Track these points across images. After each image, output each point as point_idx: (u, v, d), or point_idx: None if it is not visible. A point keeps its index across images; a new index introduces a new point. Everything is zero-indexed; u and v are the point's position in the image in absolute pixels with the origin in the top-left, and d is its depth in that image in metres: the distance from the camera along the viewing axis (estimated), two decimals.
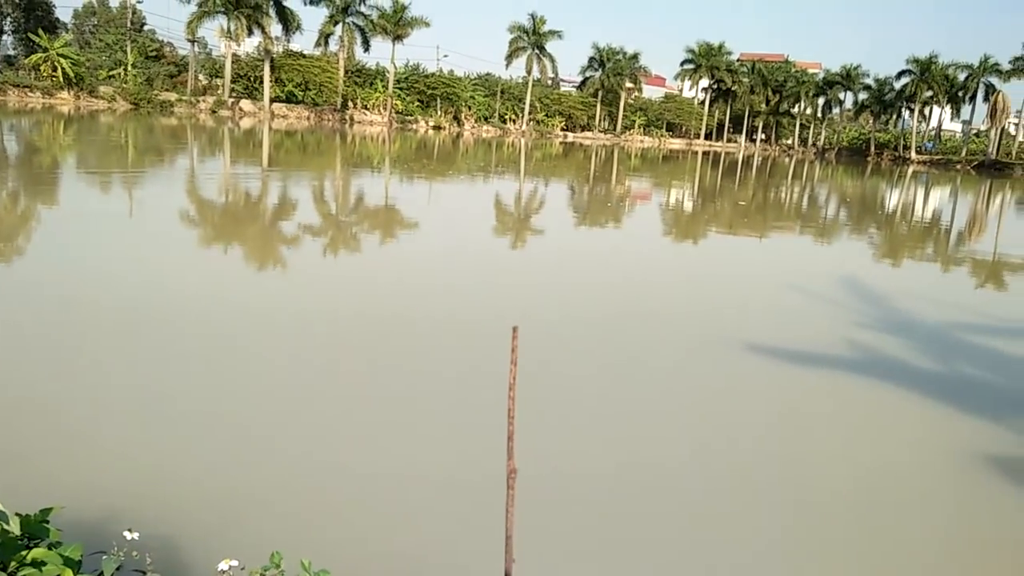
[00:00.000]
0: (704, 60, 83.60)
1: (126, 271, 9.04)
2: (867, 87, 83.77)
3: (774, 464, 5.12)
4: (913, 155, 78.91)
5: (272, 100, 59.34)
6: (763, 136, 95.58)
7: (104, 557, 2.18)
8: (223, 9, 54.71)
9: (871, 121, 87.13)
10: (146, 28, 69.27)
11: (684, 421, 5.77)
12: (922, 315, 10.10)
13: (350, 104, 65.09)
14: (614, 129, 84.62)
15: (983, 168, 71.05)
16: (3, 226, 11.44)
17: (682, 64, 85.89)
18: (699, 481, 4.78)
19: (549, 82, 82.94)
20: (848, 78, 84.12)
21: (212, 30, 58.87)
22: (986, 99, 74.44)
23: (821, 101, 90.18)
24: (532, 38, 70.72)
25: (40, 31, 52.59)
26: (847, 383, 6.93)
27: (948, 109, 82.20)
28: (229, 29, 55.71)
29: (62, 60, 50.84)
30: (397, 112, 67.29)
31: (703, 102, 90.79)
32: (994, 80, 73.62)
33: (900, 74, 77.98)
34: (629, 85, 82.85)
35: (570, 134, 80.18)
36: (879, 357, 7.77)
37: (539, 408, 5.41)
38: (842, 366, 7.40)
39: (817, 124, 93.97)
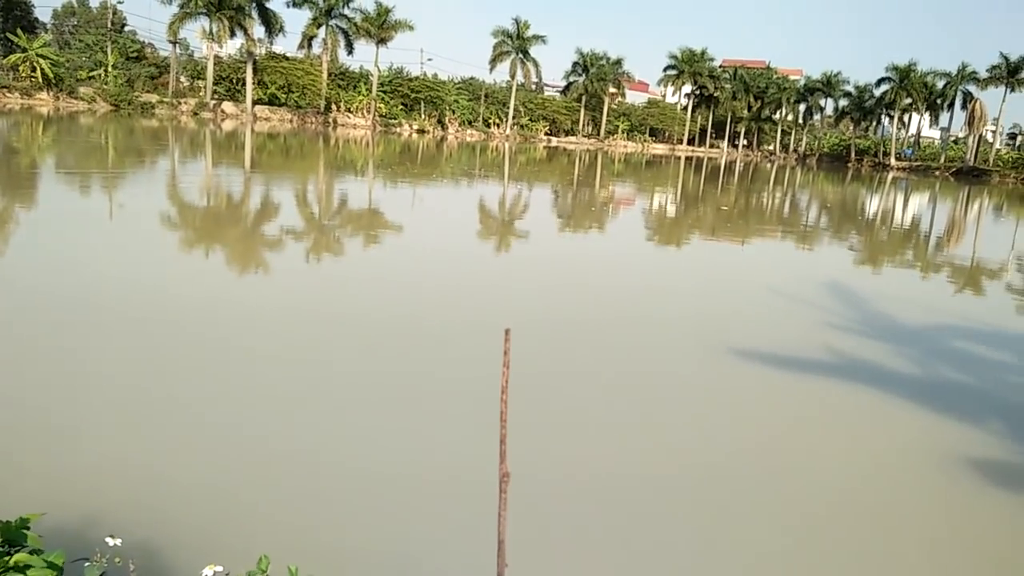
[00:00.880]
0: (687, 66, 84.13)
1: (106, 273, 8.93)
2: (847, 94, 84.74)
3: (758, 468, 5.14)
4: (893, 161, 79.84)
5: (255, 102, 58.99)
6: (745, 142, 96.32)
7: (87, 564, 2.14)
8: (205, 10, 54.34)
9: (851, 128, 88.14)
10: (127, 29, 68.60)
11: (666, 426, 5.78)
12: (903, 319, 10.20)
13: (333, 107, 64.86)
14: (598, 134, 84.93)
15: (961, 175, 71.99)
16: None
17: (665, 70, 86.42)
18: (680, 488, 4.79)
19: (533, 87, 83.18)
20: (829, 85, 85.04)
21: (194, 31, 58.75)
22: (964, 107, 75.50)
23: (802, 107, 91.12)
24: (516, 43, 70.85)
25: (19, 31, 52.00)
26: (830, 387, 6.97)
27: (927, 116, 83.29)
28: (211, 31, 55.34)
29: (41, 61, 50.29)
30: (381, 115, 67.14)
31: (686, 108, 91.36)
32: (972, 88, 74.72)
33: (880, 81, 78.94)
34: (612, 90, 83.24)
35: (554, 139, 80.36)
36: (861, 361, 7.83)
37: (529, 411, 5.40)
38: (825, 370, 7.45)
39: (798, 130, 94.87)
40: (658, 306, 10.00)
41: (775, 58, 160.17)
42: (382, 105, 67.76)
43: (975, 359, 8.58)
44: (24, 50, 50.37)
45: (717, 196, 31.75)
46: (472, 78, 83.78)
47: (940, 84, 76.40)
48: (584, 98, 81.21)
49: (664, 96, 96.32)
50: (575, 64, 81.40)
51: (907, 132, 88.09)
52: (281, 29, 59.21)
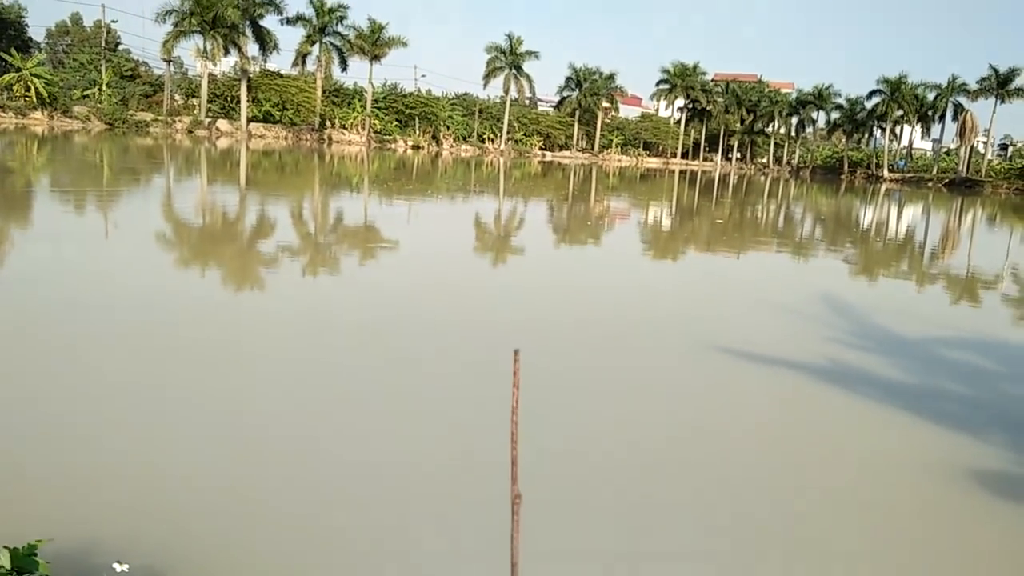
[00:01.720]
0: (679, 80, 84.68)
1: (102, 292, 8.91)
2: (839, 107, 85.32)
3: (753, 476, 5.13)
4: (886, 173, 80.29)
5: (249, 120, 59.13)
6: (739, 155, 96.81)
7: None
8: (199, 29, 54.56)
9: (844, 140, 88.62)
10: (121, 48, 68.89)
11: (664, 435, 5.77)
12: (899, 330, 10.22)
13: (328, 124, 65.07)
14: (592, 148, 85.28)
15: (954, 186, 72.43)
16: None
17: (658, 84, 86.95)
18: (678, 497, 4.78)
19: (527, 102, 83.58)
20: (820, 98, 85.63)
21: (188, 50, 58.76)
22: (955, 118, 76.09)
23: (795, 120, 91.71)
24: (509, 58, 71.24)
25: (13, 51, 52.12)
26: (826, 398, 6.98)
27: (918, 128, 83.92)
28: (205, 49, 55.53)
29: (35, 80, 50.37)
30: (375, 132, 67.35)
31: (679, 121, 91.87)
32: (962, 100, 75.31)
33: (871, 94, 79.51)
34: (606, 105, 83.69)
35: (548, 153, 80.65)
36: (858, 372, 7.84)
37: (533, 418, 5.38)
38: (821, 381, 7.46)
39: (791, 143, 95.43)
40: (653, 318, 10.00)
41: (767, 72, 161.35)
42: (377, 121, 68.00)
43: (972, 370, 8.60)
44: (18, 70, 50.47)
45: (711, 209, 31.87)
46: (466, 94, 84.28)
47: (931, 96, 77.00)
48: (578, 113, 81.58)
49: (657, 110, 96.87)
50: (568, 79, 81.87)
51: (899, 144, 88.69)
52: (275, 47, 59.50)
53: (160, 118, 56.03)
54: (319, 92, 63.51)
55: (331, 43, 62.12)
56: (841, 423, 6.44)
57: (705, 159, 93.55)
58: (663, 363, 7.87)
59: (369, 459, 4.97)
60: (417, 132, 71.04)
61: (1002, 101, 71.62)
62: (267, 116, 62.14)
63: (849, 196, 51.92)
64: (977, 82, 72.79)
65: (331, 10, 60.78)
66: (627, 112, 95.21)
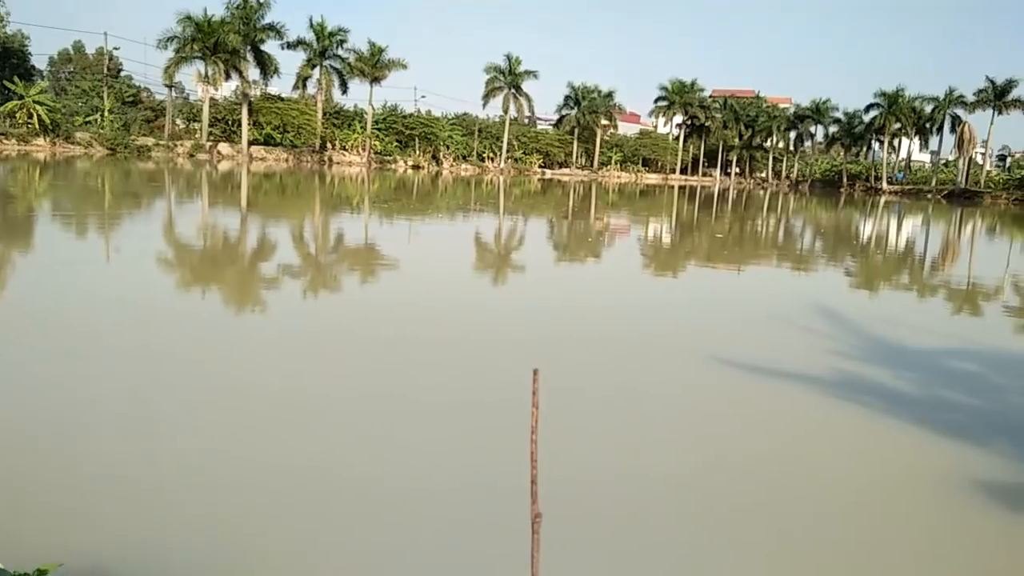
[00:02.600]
0: (677, 97, 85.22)
1: (101, 314, 8.91)
2: (837, 120, 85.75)
3: (759, 487, 5.10)
4: (885, 185, 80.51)
5: (250, 143, 59.47)
6: (737, 170, 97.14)
7: None
8: (201, 55, 55.02)
9: (842, 153, 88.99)
10: (123, 74, 69.37)
11: (671, 448, 5.75)
12: (902, 341, 10.21)
13: (328, 145, 65.43)
14: (591, 165, 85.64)
15: (953, 197, 72.60)
16: None
17: (656, 101, 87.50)
18: (684, 509, 4.75)
19: (526, 120, 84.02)
20: (818, 112, 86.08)
21: (190, 75, 59.23)
22: (953, 130, 76.44)
23: (793, 135, 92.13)
24: (508, 78, 71.73)
25: (15, 78, 52.53)
26: (830, 409, 6.95)
27: (916, 140, 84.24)
28: (207, 74, 55.96)
29: (38, 107, 50.71)
30: (376, 152, 67.72)
31: (678, 138, 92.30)
32: (960, 111, 75.72)
33: (868, 107, 79.94)
34: (605, 122, 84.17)
35: (548, 171, 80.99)
36: (861, 383, 7.82)
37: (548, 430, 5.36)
38: (824, 393, 7.43)
39: (790, 157, 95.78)
40: (655, 331, 9.99)
41: (764, 87, 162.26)
42: (377, 142, 68.38)
43: (976, 380, 8.57)
44: (21, 97, 50.82)
45: (711, 224, 31.94)
46: (465, 113, 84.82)
47: (928, 108, 77.40)
48: (577, 130, 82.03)
49: (656, 127, 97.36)
50: (567, 98, 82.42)
51: (898, 156, 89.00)
52: (276, 71, 59.99)
53: (162, 142, 56.35)
54: (320, 114, 63.91)
55: (331, 66, 62.62)
56: (849, 436, 6.42)
57: (704, 174, 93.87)
58: (669, 379, 7.86)
59: (377, 479, 4.96)
60: (417, 152, 71.41)
61: (999, 112, 71.99)
62: (268, 139, 62.49)
63: (849, 209, 52.02)
64: (974, 94, 73.23)
65: (331, 34, 61.31)
66: (626, 129, 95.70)
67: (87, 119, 57.82)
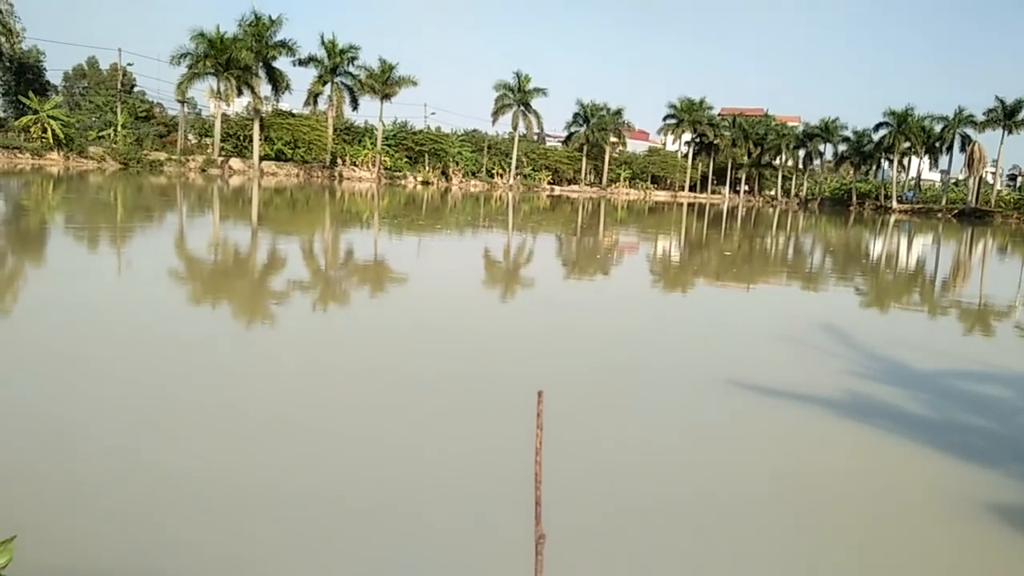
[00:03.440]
0: (686, 115, 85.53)
1: (118, 328, 8.96)
2: (846, 139, 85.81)
3: (769, 507, 5.07)
4: (895, 204, 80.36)
5: (261, 158, 59.94)
6: (746, 187, 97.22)
7: None
8: (213, 71, 55.64)
9: (852, 172, 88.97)
10: (136, 89, 70.15)
11: (678, 468, 5.72)
12: (912, 361, 10.14)
13: (339, 161, 65.87)
14: (600, 182, 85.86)
15: (963, 216, 72.38)
16: None
17: (665, 119, 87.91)
18: (695, 531, 4.72)
19: (535, 137, 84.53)
20: (827, 131, 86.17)
21: (202, 91, 59.86)
22: (962, 149, 76.33)
23: (802, 153, 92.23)
24: (517, 95, 72.21)
25: (31, 93, 53.21)
26: (840, 429, 6.90)
27: (926, 159, 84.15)
28: (219, 90, 56.55)
29: (52, 122, 51.32)
30: (386, 168, 68.12)
31: (686, 155, 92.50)
32: (969, 131, 75.67)
33: (878, 126, 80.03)
34: (613, 139, 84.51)
35: (557, 187, 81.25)
36: (872, 403, 7.76)
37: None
38: (834, 412, 7.38)
39: (799, 175, 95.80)
40: (664, 349, 9.97)
41: (773, 105, 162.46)
42: (387, 158, 68.82)
43: (987, 401, 8.50)
44: (36, 112, 51.45)
45: (721, 242, 31.91)
46: (475, 130, 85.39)
47: (938, 128, 77.40)
48: (586, 148, 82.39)
49: (664, 144, 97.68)
50: (576, 115, 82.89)
51: (907, 175, 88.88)
52: (287, 87, 60.62)
53: (174, 157, 56.88)
54: (330, 130, 64.44)
55: (342, 83, 63.22)
56: (860, 457, 6.36)
57: (713, 192, 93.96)
58: (681, 400, 7.83)
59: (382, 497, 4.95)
60: (427, 168, 71.79)
61: (1009, 132, 71.88)
62: (279, 154, 62.99)
63: (858, 227, 51.90)
64: (984, 113, 73.21)
65: (342, 51, 61.94)
66: (635, 146, 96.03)
67: (100, 134, 58.48)
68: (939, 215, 74.40)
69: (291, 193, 44.15)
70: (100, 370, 7.22)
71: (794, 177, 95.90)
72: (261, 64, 57.52)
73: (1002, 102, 70.86)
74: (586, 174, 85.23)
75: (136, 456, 5.21)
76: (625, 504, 5.05)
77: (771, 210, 74.58)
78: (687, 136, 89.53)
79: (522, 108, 72.92)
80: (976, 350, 11.66)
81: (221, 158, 59.03)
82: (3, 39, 56.19)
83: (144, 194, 35.46)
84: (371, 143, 68.55)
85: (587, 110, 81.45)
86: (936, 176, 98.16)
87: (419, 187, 65.57)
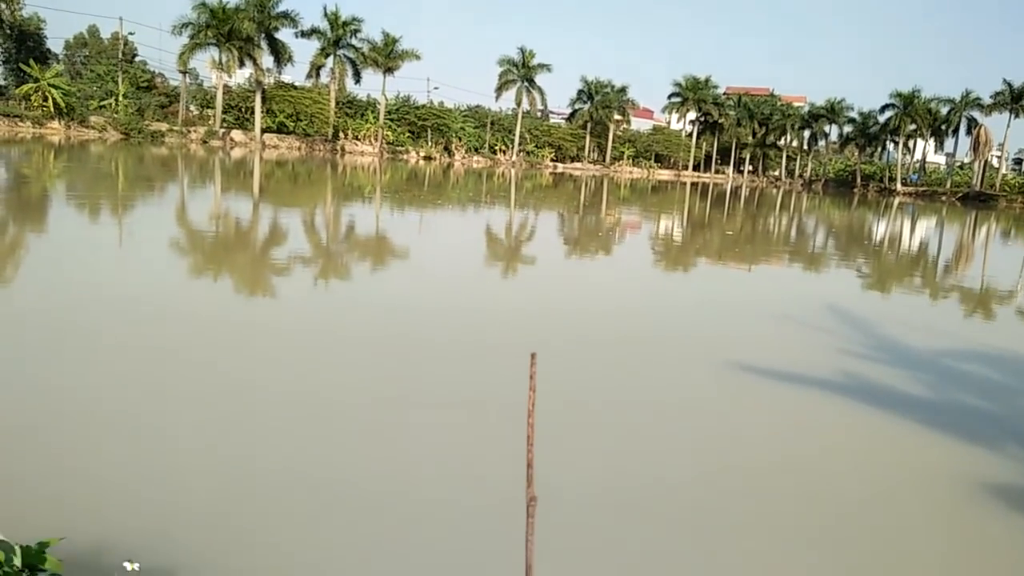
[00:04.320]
0: (691, 93, 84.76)
1: (122, 299, 8.96)
2: (852, 120, 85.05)
3: (769, 488, 5.08)
4: (899, 187, 79.90)
5: (263, 130, 59.55)
6: (750, 167, 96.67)
7: None
8: (215, 41, 55.09)
9: (856, 153, 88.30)
10: (138, 59, 69.53)
11: (681, 447, 5.73)
12: (915, 344, 10.14)
13: (341, 135, 65.46)
14: (603, 160, 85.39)
15: (968, 200, 72.01)
16: None
17: (669, 97, 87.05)
18: (695, 508, 4.74)
19: (538, 114, 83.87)
20: (833, 111, 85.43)
21: (204, 61, 59.33)
22: (968, 132, 75.76)
23: (807, 133, 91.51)
24: (522, 71, 71.54)
25: (31, 61, 52.74)
26: (842, 410, 6.92)
27: (932, 142, 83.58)
28: (221, 61, 56.05)
29: (53, 90, 50.91)
30: (388, 143, 67.70)
31: (691, 134, 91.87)
32: (976, 114, 75.00)
33: (884, 108, 79.27)
34: (617, 117, 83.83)
35: (560, 165, 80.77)
36: (874, 385, 7.77)
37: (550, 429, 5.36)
38: (836, 394, 7.39)
39: (803, 156, 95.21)
40: (666, 329, 9.96)
41: (779, 85, 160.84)
42: (389, 133, 68.37)
43: (989, 383, 8.51)
44: (36, 80, 51.03)
45: (723, 221, 31.80)
46: (478, 106, 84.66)
47: (944, 110, 76.72)
48: (589, 125, 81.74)
49: (669, 123, 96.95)
50: (580, 92, 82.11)
51: (912, 157, 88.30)
52: (290, 59, 59.97)
53: (175, 128, 56.50)
54: (332, 104, 63.94)
55: (345, 56, 62.60)
56: (860, 437, 6.38)
57: (717, 171, 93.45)
58: (678, 377, 7.84)
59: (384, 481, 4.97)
60: (429, 143, 71.37)
61: (1016, 115, 71.24)
62: (281, 127, 62.57)
63: (862, 209, 51.70)
64: (991, 96, 72.49)
65: (345, 23, 61.29)
66: (639, 124, 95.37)
67: (101, 103, 58.03)
68: (943, 198, 74.02)
69: (293, 166, 43.96)
70: (102, 343, 7.23)
71: (798, 158, 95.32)
72: (263, 35, 56.91)
73: (1010, 85, 70.16)
74: (589, 152, 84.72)
75: (137, 420, 5.23)
76: (620, 479, 5.07)
77: (775, 191, 74.26)
78: (692, 115, 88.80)
79: (526, 84, 72.26)
80: (977, 332, 11.65)
81: (223, 130, 58.63)
82: (3, 6, 55.64)
83: (145, 165, 35.32)
84: (374, 117, 68.07)
85: (591, 87, 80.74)
86: (941, 159, 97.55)
87: (421, 162, 65.25)
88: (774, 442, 6.04)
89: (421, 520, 4.28)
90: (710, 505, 4.81)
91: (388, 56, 64.11)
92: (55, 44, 72.28)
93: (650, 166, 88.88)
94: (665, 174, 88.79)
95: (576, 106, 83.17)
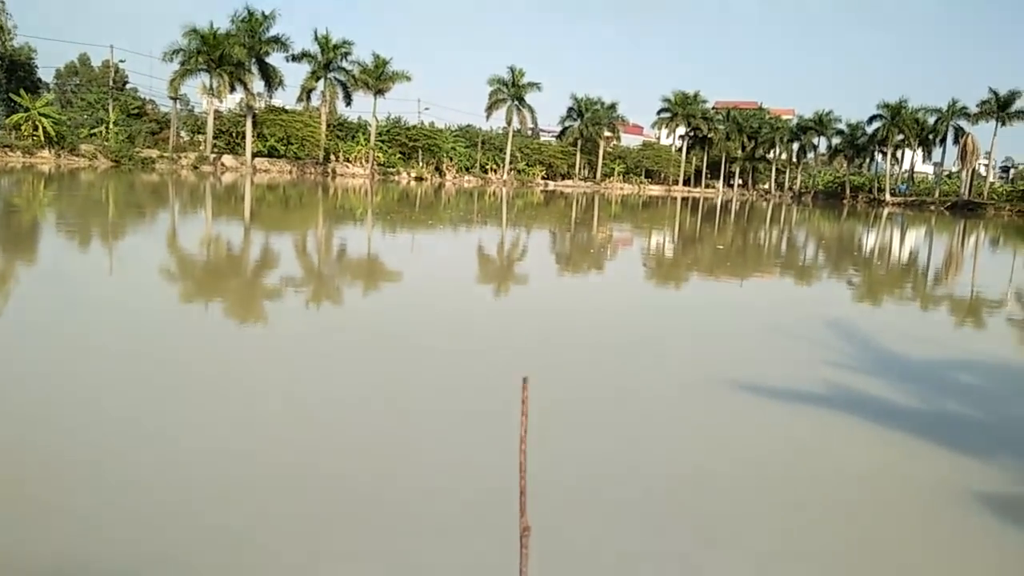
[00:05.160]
0: (680, 109, 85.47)
1: (113, 328, 8.92)
2: (840, 132, 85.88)
3: (757, 500, 5.07)
4: (888, 197, 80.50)
5: (254, 155, 59.67)
6: (740, 181, 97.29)
7: None
8: (206, 67, 55.34)
9: (845, 164, 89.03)
10: (128, 86, 69.80)
11: (661, 458, 5.72)
12: (905, 353, 10.17)
13: (332, 157, 65.65)
14: (594, 177, 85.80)
15: (956, 208, 72.53)
16: None
17: (659, 113, 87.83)
18: (680, 526, 4.72)
19: (529, 132, 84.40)
20: (821, 124, 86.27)
21: (195, 87, 59.53)
22: (956, 141, 76.48)
23: (796, 146, 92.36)
24: (511, 90, 72.02)
25: (22, 91, 52.83)
26: (832, 422, 6.91)
27: (920, 152, 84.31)
28: (212, 86, 56.26)
29: (43, 119, 50.97)
30: (379, 164, 67.92)
31: (680, 149, 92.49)
32: (963, 123, 75.80)
33: (871, 119, 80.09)
34: (608, 134, 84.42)
35: (551, 182, 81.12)
36: (864, 396, 7.78)
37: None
38: (826, 405, 7.39)
39: (793, 168, 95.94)
40: (657, 342, 9.96)
41: (767, 99, 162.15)
42: (380, 154, 68.61)
43: (980, 393, 8.53)
44: (27, 109, 51.10)
45: (714, 236, 31.93)
46: (469, 125, 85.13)
47: (931, 120, 77.51)
48: (580, 142, 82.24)
49: (659, 138, 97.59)
50: (570, 109, 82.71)
51: (901, 168, 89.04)
52: (280, 83, 60.30)
53: (166, 154, 56.57)
54: (323, 126, 64.18)
55: (336, 78, 62.96)
56: (849, 448, 6.38)
57: (707, 186, 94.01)
58: (674, 395, 7.83)
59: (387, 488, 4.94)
60: (420, 164, 71.61)
61: (1003, 124, 71.98)
62: (272, 151, 62.73)
63: (852, 220, 51.98)
64: (977, 105, 73.30)
65: (336, 47, 61.69)
66: (629, 141, 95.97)
67: (92, 131, 58.08)
68: (932, 207, 74.49)
69: (284, 190, 44.00)
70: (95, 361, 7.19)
71: (788, 170, 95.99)
72: (254, 60, 57.20)
73: (995, 94, 70.94)
74: (580, 169, 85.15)
75: (137, 426, 5.20)
76: (608, 482, 5.05)
77: (765, 204, 74.62)
78: (681, 130, 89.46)
79: (516, 103, 72.72)
80: (967, 341, 11.70)
81: (213, 155, 58.71)
82: None
83: (136, 192, 35.30)
84: (364, 139, 68.31)
85: (581, 104, 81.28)
86: (929, 168, 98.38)
87: (412, 183, 65.38)
88: (760, 453, 6.03)
89: (420, 538, 4.26)
90: (693, 516, 4.79)
91: (378, 78, 64.49)
92: (46, 73, 72.51)
93: (640, 182, 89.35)
94: (656, 189, 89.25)
95: (566, 123, 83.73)
